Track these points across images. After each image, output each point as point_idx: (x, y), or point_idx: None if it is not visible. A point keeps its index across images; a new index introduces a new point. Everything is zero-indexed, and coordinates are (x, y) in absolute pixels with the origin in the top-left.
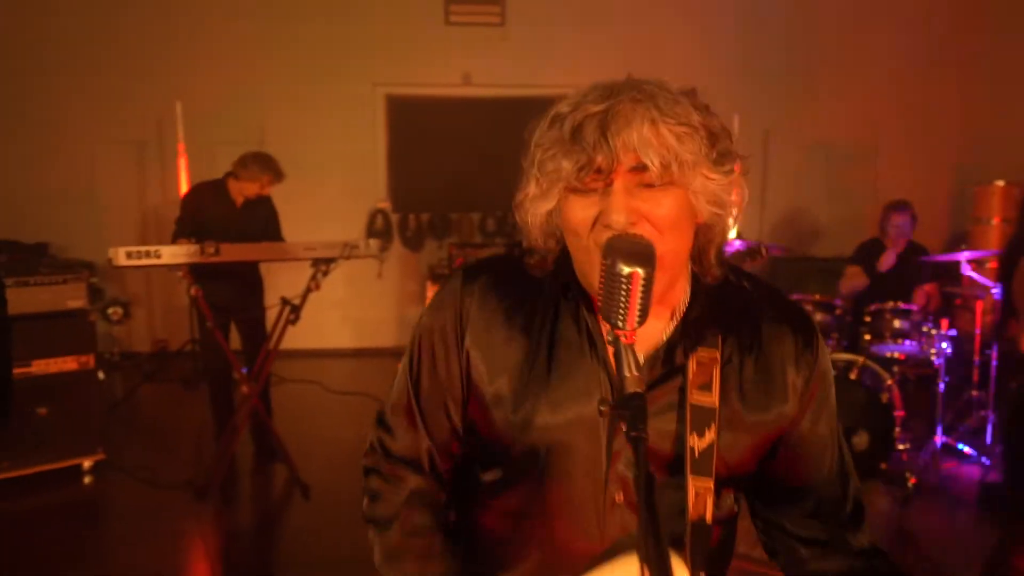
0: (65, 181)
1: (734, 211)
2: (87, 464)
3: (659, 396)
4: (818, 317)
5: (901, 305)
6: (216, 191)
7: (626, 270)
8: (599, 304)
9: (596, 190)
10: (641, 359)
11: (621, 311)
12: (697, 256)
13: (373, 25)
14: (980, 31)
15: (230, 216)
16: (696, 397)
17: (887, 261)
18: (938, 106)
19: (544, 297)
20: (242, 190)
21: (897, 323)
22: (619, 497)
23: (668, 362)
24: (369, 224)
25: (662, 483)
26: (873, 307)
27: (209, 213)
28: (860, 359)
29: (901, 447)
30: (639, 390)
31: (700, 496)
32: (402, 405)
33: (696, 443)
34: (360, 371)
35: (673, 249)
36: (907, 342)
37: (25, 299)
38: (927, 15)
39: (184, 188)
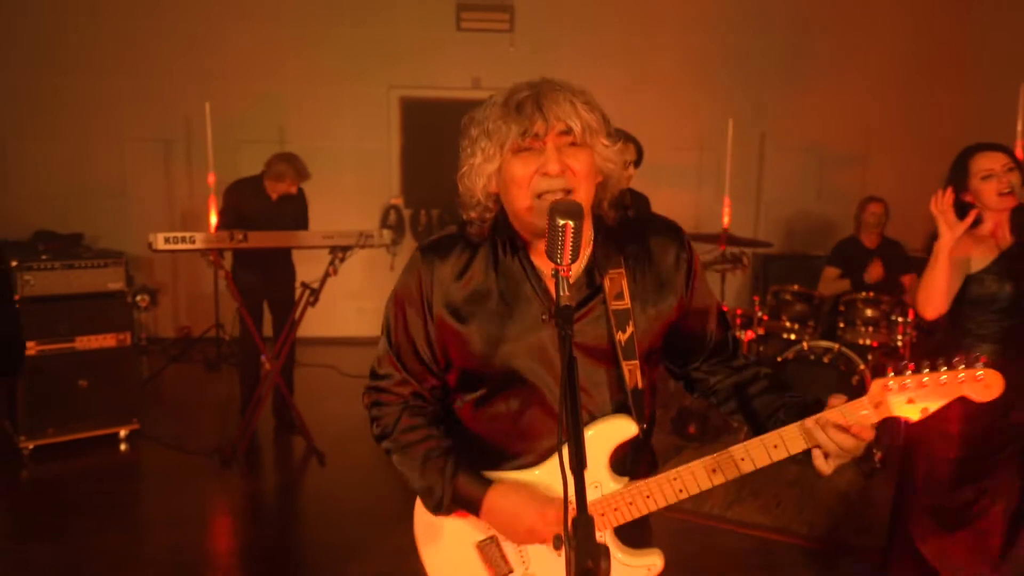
0: (98, 177)
1: (622, 174)
2: (123, 432)
3: (590, 309)
4: (796, 307)
5: (871, 295)
6: (253, 187)
7: (561, 222)
8: (545, 248)
9: (533, 148)
10: (570, 285)
11: (559, 251)
12: (598, 205)
13: (389, 31)
14: (966, 39)
15: (266, 210)
16: (614, 304)
17: (875, 273)
18: (925, 111)
19: (484, 255)
20: (273, 187)
21: (869, 312)
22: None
23: (590, 284)
24: (383, 218)
25: (606, 369)
26: (847, 297)
27: (248, 207)
28: (836, 346)
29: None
30: (570, 304)
31: (632, 373)
32: (387, 357)
33: (621, 337)
34: (371, 356)
35: (585, 198)
36: (877, 330)
37: (70, 281)
38: (915, 23)
39: (214, 185)
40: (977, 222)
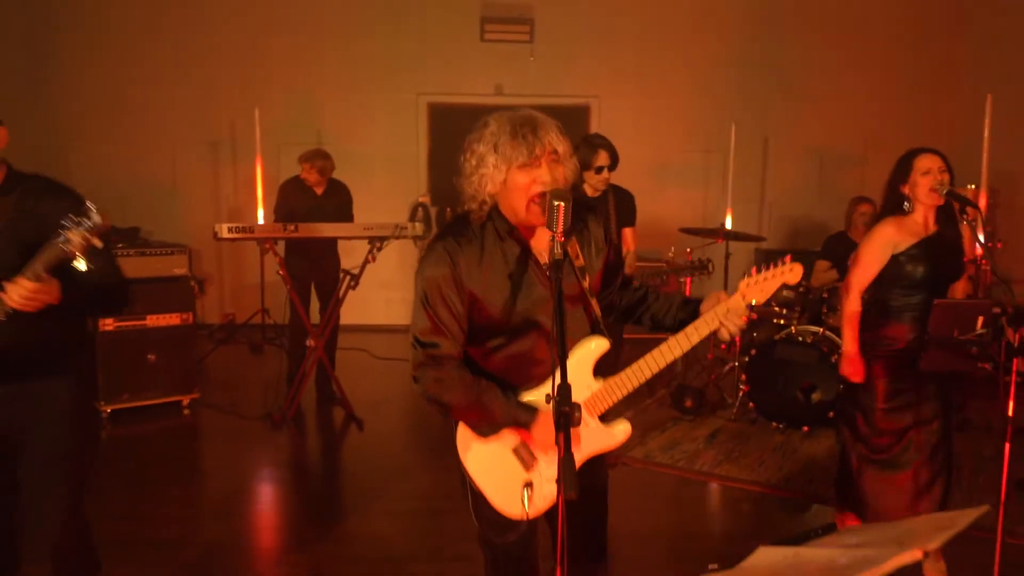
0: (152, 176)
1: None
2: (185, 401)
3: (567, 272)
4: (784, 294)
5: None
6: (300, 184)
7: (556, 203)
8: (544, 222)
9: (531, 165)
10: (547, 253)
11: (555, 224)
12: None
13: (418, 43)
14: (960, 47)
15: (312, 203)
16: (578, 264)
17: None
18: (921, 117)
19: (490, 241)
20: (310, 179)
21: None
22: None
23: (562, 251)
24: (411, 215)
25: (580, 308)
26: (832, 286)
27: (295, 202)
28: (820, 330)
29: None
30: (560, 257)
31: (594, 307)
32: (430, 328)
33: (585, 284)
34: (401, 343)
35: None
36: None
37: (142, 266)
38: (912, 33)
39: (262, 184)
40: (909, 211)
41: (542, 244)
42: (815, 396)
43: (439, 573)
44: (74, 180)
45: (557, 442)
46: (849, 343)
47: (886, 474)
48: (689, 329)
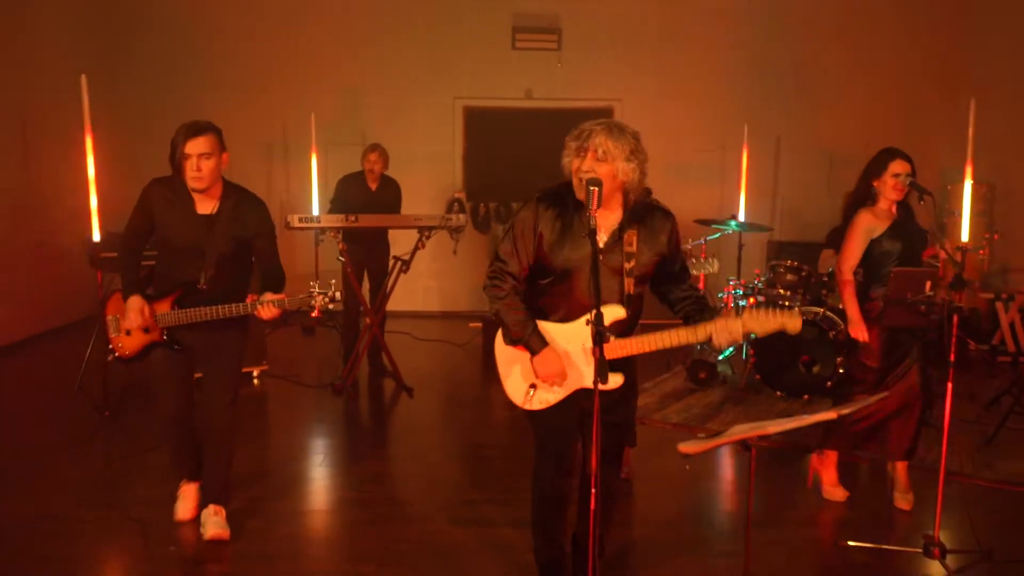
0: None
1: (637, 181)
2: (256, 372)
3: (615, 249)
4: (788, 277)
5: None
6: (357, 180)
7: (591, 188)
8: (584, 202)
9: (580, 156)
10: (607, 234)
11: (590, 203)
12: (625, 195)
13: (454, 50)
14: (961, 52)
15: (367, 197)
16: (627, 249)
17: None
18: (926, 117)
19: (566, 209)
20: (375, 169)
21: None
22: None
23: (619, 236)
24: (448, 209)
25: (616, 280)
26: (832, 270)
27: (353, 195)
28: (821, 310)
29: (842, 371)
30: (595, 228)
31: (627, 284)
32: (508, 251)
33: (627, 265)
34: (439, 327)
35: (608, 185)
36: None
37: None
38: (916, 37)
39: (317, 180)
40: (875, 200)
41: (601, 219)
42: (815, 369)
43: (488, 499)
44: (145, 180)
45: (594, 353)
46: (852, 310)
47: (868, 421)
48: (690, 328)
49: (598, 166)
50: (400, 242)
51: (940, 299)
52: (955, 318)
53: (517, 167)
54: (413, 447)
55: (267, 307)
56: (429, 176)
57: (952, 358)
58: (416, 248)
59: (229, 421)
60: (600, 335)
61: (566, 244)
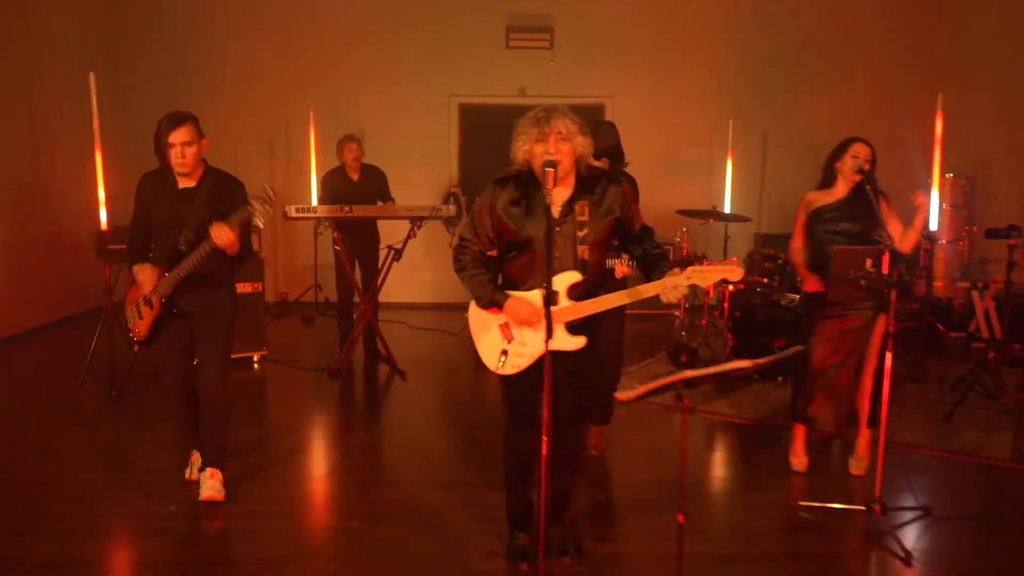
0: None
1: (590, 157)
2: (256, 356)
3: (568, 220)
4: (765, 265)
5: None
6: (338, 173)
7: (547, 168)
8: (542, 182)
9: (544, 141)
10: (561, 207)
11: (547, 182)
12: (578, 165)
13: (450, 49)
14: (944, 49)
15: (350, 187)
16: (579, 219)
17: None
18: (908, 112)
19: (528, 186)
20: (354, 160)
21: None
22: (556, 253)
23: (570, 206)
24: (444, 203)
25: (571, 248)
26: None
27: (337, 188)
28: (796, 296)
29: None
30: (551, 205)
31: (582, 251)
32: (469, 233)
33: (580, 233)
34: (433, 316)
35: (567, 162)
36: None
37: None
38: (899, 34)
39: (316, 176)
40: (833, 184)
41: (556, 194)
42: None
43: (468, 467)
44: None
45: (545, 312)
46: (801, 271)
47: (828, 376)
48: (640, 287)
49: (561, 145)
50: (395, 232)
51: (881, 275)
52: (893, 293)
53: (510, 162)
54: (402, 423)
55: (217, 231)
56: (426, 171)
57: (891, 329)
58: (408, 237)
59: (221, 387)
60: (549, 297)
61: (527, 220)
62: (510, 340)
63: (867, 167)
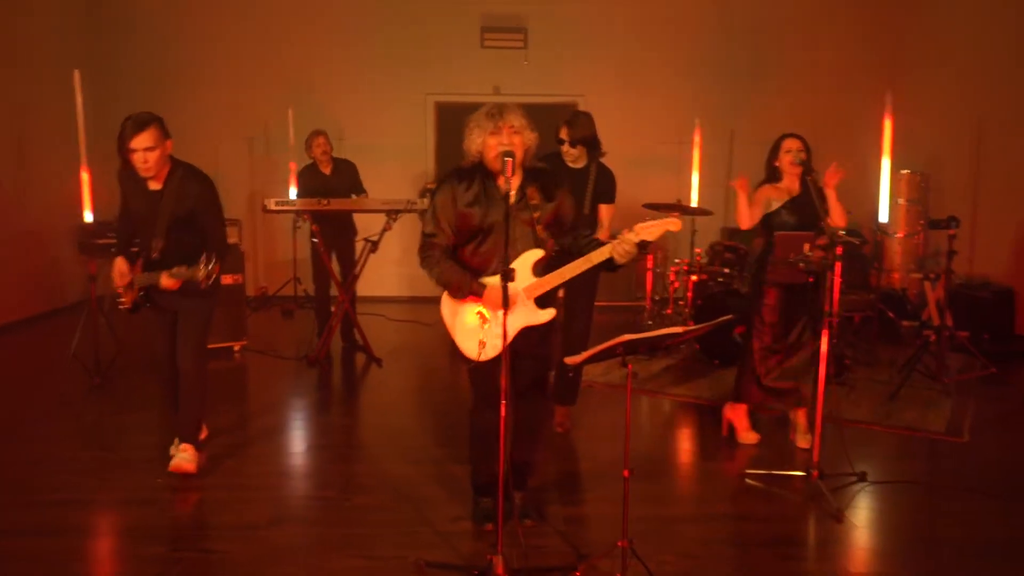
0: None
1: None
2: (236, 347)
3: (522, 206)
4: (726, 255)
5: None
6: (310, 169)
7: (506, 158)
8: (498, 172)
9: (498, 133)
10: (514, 193)
11: (505, 170)
12: (525, 157)
13: (426, 49)
14: (905, 49)
15: (323, 182)
16: (532, 202)
17: None
18: (870, 111)
19: (479, 182)
20: (317, 159)
21: None
22: (517, 235)
23: (523, 192)
24: (419, 198)
25: (530, 230)
26: None
27: (310, 183)
28: None
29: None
30: (509, 192)
31: (540, 231)
32: (432, 228)
33: (535, 216)
34: (410, 310)
35: (519, 153)
36: None
37: None
38: (856, 35)
39: (295, 171)
40: (779, 178)
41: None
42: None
43: (438, 443)
44: None
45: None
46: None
47: (771, 356)
48: (593, 253)
49: (514, 138)
50: (371, 225)
51: (816, 258)
52: (829, 274)
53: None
54: (378, 405)
55: (165, 278)
56: (403, 168)
57: (826, 308)
58: (384, 230)
59: (197, 368)
60: (506, 273)
61: (484, 209)
62: (484, 325)
63: (803, 156)
